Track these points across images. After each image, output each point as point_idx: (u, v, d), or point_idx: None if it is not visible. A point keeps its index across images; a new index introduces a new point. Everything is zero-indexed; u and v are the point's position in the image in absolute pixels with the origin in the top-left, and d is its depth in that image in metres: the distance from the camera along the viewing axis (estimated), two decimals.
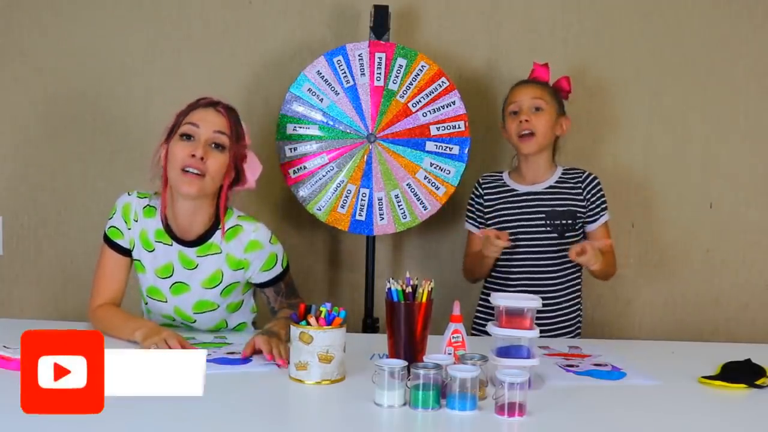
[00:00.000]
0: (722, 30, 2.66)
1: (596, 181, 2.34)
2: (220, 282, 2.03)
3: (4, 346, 1.74)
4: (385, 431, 1.51)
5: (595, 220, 2.32)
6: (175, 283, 2.03)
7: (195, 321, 2.08)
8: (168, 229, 2.01)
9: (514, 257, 2.30)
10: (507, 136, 2.37)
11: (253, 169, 2.07)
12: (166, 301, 2.06)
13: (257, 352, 1.82)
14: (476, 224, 2.39)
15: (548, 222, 2.29)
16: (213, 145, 1.95)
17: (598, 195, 2.33)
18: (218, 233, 2.00)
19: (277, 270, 2.06)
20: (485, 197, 2.37)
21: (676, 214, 2.69)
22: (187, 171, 1.92)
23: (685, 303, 2.71)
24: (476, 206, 2.39)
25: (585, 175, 2.35)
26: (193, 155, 1.91)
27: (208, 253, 2.01)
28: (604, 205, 2.34)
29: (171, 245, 2.01)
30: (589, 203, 2.32)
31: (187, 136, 1.94)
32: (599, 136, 2.67)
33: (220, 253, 2.01)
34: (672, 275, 2.71)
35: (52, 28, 2.66)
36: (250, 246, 2.01)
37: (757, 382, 1.74)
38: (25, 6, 2.66)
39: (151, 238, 2.03)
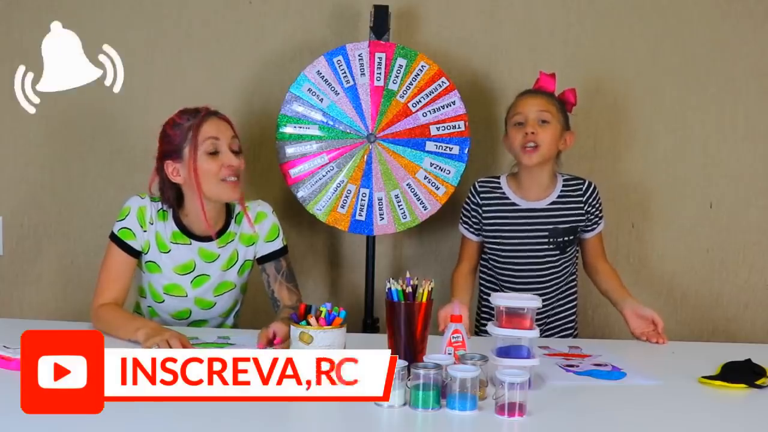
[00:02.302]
0: (722, 30, 2.65)
1: (596, 192, 2.30)
2: (236, 261, 2.17)
3: (4, 346, 1.74)
4: (385, 431, 1.52)
5: (592, 229, 2.31)
6: (197, 276, 2.13)
7: (215, 304, 2.17)
8: (184, 230, 2.12)
9: (513, 271, 2.29)
10: (508, 146, 2.31)
11: None
12: (187, 295, 2.14)
13: (270, 342, 1.82)
14: (472, 230, 2.33)
15: (551, 240, 2.27)
16: (232, 151, 2.09)
17: (597, 206, 2.30)
18: (233, 222, 2.16)
19: (278, 244, 2.20)
20: (483, 206, 2.30)
21: (676, 214, 2.69)
22: (226, 180, 2.06)
23: (685, 303, 2.71)
24: (473, 213, 2.32)
25: (585, 186, 2.30)
26: (230, 165, 2.06)
27: (227, 242, 2.16)
28: (601, 214, 2.32)
29: (190, 244, 2.12)
30: (589, 214, 2.29)
31: (214, 151, 2.06)
32: (599, 136, 2.67)
33: (236, 236, 2.16)
34: (672, 275, 2.71)
35: None
36: (258, 217, 2.18)
37: (757, 382, 1.74)
38: (25, 6, 2.66)
39: (166, 240, 2.12)
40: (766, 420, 1.60)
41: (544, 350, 1.98)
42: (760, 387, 1.73)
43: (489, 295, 2.11)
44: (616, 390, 1.72)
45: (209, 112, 2.08)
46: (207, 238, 2.13)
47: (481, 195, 2.31)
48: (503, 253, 2.29)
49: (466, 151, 2.47)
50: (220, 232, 2.14)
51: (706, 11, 2.65)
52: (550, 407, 1.57)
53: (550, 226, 2.26)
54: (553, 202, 2.28)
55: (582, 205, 2.28)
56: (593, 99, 2.64)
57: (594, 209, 2.30)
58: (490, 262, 2.34)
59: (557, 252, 2.27)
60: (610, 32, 2.66)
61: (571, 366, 1.86)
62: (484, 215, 2.30)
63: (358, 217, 2.47)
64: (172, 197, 2.11)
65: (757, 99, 2.67)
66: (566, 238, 2.26)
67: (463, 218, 2.35)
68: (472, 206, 2.32)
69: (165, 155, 2.08)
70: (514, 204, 2.29)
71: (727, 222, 2.69)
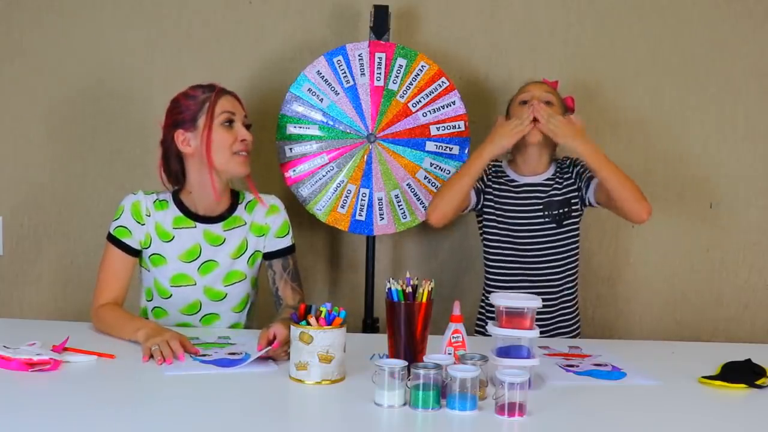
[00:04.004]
0: (722, 30, 2.65)
1: (578, 159, 2.33)
2: (246, 250, 2.15)
3: (4, 346, 1.74)
4: (385, 431, 1.52)
5: (589, 185, 2.32)
6: (204, 263, 2.12)
7: (226, 295, 2.15)
8: (187, 213, 2.12)
9: (512, 248, 2.31)
10: None
11: None
12: (195, 284, 2.12)
13: (270, 344, 1.79)
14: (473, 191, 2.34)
15: (546, 213, 2.31)
16: (245, 126, 2.14)
17: (584, 166, 2.31)
18: (241, 206, 2.17)
19: (288, 241, 2.20)
20: (486, 176, 2.34)
21: (676, 214, 2.69)
22: (238, 153, 2.10)
23: (685, 303, 2.71)
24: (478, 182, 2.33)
25: (570, 159, 2.37)
26: (243, 140, 2.10)
27: (234, 226, 2.15)
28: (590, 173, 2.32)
29: (195, 227, 2.12)
30: (579, 179, 2.33)
31: (229, 123, 2.10)
32: (599, 136, 2.66)
33: (245, 224, 2.15)
34: (672, 275, 2.71)
35: (52, 28, 2.66)
36: (271, 210, 2.19)
37: (757, 382, 1.74)
38: (25, 6, 2.66)
39: (168, 228, 2.11)
40: (766, 420, 1.60)
41: (544, 350, 1.98)
42: (760, 387, 1.73)
43: (490, 293, 2.12)
44: (616, 390, 1.72)
45: (223, 90, 2.13)
46: (212, 219, 2.13)
47: (490, 166, 2.35)
48: (503, 227, 2.32)
49: (466, 151, 2.47)
50: (225, 215, 2.14)
51: (705, 11, 2.65)
52: (550, 407, 1.57)
53: (545, 199, 2.32)
54: (548, 179, 2.35)
55: (571, 175, 2.34)
56: (593, 99, 2.64)
57: (582, 170, 2.32)
58: (493, 242, 2.34)
59: (554, 225, 2.31)
60: (610, 32, 2.66)
61: (571, 366, 1.86)
62: (486, 189, 2.35)
63: (358, 217, 2.47)
64: (179, 171, 2.12)
65: (757, 99, 2.67)
66: (560, 211, 2.31)
67: None
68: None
69: (176, 124, 2.10)
70: (512, 180, 2.36)
71: (727, 222, 2.69)
